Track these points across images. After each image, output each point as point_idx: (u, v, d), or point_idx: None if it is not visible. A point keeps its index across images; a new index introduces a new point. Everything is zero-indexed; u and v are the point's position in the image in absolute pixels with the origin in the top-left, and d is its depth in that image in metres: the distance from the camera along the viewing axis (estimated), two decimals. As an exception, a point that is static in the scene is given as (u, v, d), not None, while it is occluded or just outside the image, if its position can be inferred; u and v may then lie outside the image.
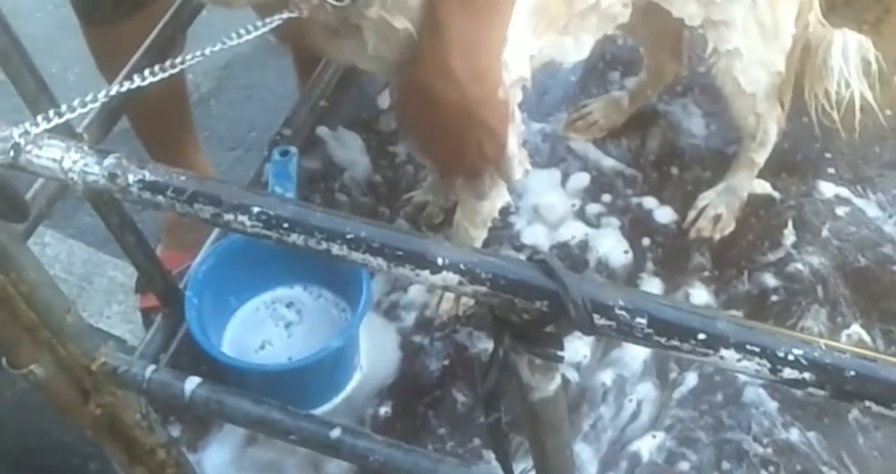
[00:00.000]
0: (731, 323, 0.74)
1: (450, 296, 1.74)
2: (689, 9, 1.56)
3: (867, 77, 1.71)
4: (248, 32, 1.15)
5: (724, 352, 0.73)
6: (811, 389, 0.73)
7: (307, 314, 1.74)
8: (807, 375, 0.72)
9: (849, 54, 1.68)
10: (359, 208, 1.96)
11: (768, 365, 0.73)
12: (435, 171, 1.31)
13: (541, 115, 2.08)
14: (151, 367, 1.19)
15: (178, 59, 1.06)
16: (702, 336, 0.74)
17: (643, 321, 0.75)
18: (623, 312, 0.76)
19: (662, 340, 0.75)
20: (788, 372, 0.72)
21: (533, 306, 0.79)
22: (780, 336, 0.73)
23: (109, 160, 0.89)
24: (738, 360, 0.73)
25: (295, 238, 0.84)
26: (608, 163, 2.00)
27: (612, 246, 1.87)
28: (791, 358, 0.72)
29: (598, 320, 0.76)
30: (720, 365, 0.75)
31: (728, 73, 1.64)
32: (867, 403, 0.71)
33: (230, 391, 1.18)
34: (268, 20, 1.15)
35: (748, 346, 0.73)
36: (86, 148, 0.90)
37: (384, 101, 2.10)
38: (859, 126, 2.01)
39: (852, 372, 0.71)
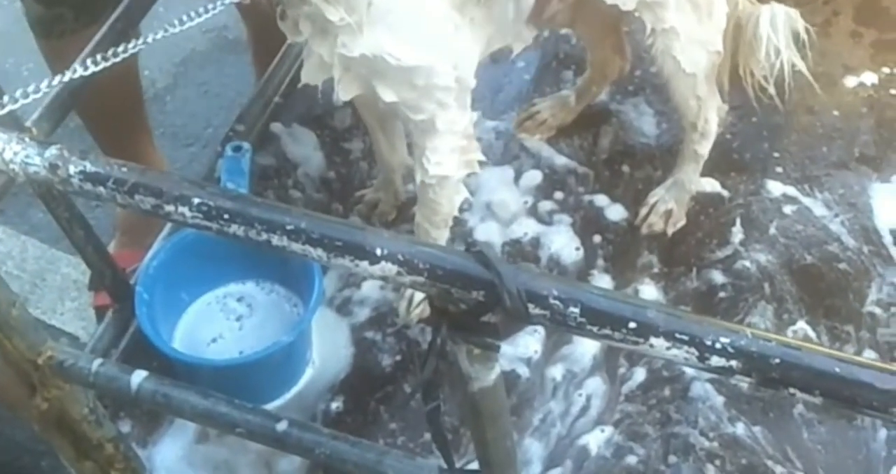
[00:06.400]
0: (661, 312, 0.76)
1: (418, 299, 1.74)
2: None
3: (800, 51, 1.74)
4: (191, 19, 1.15)
5: (653, 340, 0.75)
6: (738, 377, 0.75)
7: (259, 308, 1.74)
8: (734, 363, 0.74)
9: (777, 24, 1.72)
10: (312, 204, 1.96)
11: (696, 353, 0.75)
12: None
13: (494, 114, 2.09)
14: (98, 361, 1.19)
15: (122, 48, 1.06)
16: (632, 325, 0.75)
17: (576, 310, 0.77)
18: (557, 302, 0.77)
19: (595, 329, 0.77)
20: (716, 361, 0.74)
21: (469, 296, 0.80)
22: (708, 325, 0.75)
23: (51, 151, 0.89)
24: (668, 348, 0.75)
25: (235, 229, 0.85)
26: (560, 161, 2.02)
27: (563, 243, 1.89)
28: (718, 346, 0.74)
29: (533, 309, 0.78)
30: (651, 354, 0.76)
31: (667, 52, 1.66)
32: (792, 390, 0.73)
33: (177, 384, 1.19)
34: (210, 6, 1.16)
35: (677, 335, 0.75)
36: (27, 139, 0.91)
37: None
38: (807, 126, 2.05)
39: (777, 360, 0.73)
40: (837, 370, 0.72)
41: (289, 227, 0.83)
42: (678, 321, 0.75)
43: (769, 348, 0.73)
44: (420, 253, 0.81)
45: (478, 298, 0.80)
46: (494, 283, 0.78)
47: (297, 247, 0.84)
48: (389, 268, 0.82)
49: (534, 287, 0.78)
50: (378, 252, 0.82)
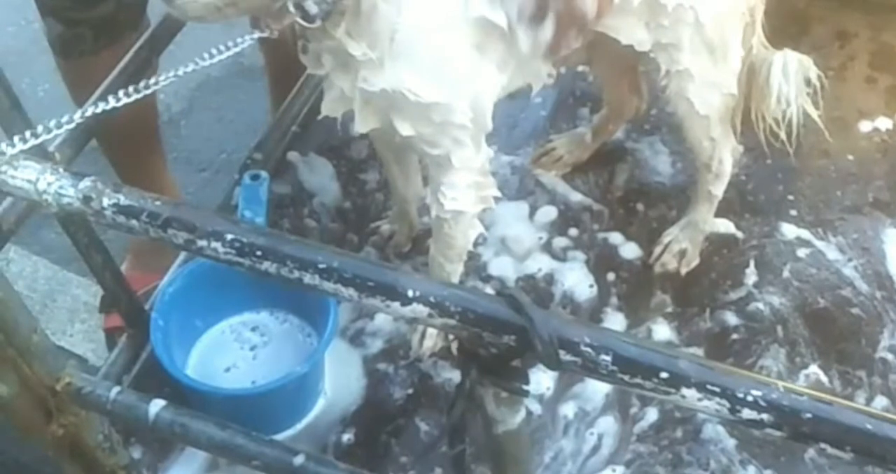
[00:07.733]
0: (693, 363, 0.76)
1: (432, 332, 1.75)
2: (637, 35, 1.58)
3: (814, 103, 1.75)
4: (220, 52, 1.17)
5: (685, 391, 0.75)
6: (769, 430, 0.74)
7: (273, 338, 1.74)
8: (765, 416, 0.74)
9: (789, 72, 1.72)
10: (327, 234, 1.97)
11: (728, 405, 0.75)
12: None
13: (510, 148, 2.10)
14: (116, 389, 1.19)
15: (152, 81, 1.07)
16: (664, 375, 0.75)
17: (608, 358, 0.77)
18: (588, 349, 0.77)
19: (626, 378, 0.77)
20: (747, 413, 0.74)
21: (500, 340, 0.80)
22: (740, 377, 0.75)
23: (85, 183, 0.90)
24: (699, 400, 0.75)
25: (267, 266, 0.85)
26: (576, 197, 2.02)
27: (577, 280, 1.89)
28: (750, 399, 0.74)
29: (564, 356, 0.78)
30: (681, 404, 0.76)
31: (681, 94, 1.67)
32: (822, 445, 0.73)
33: (194, 414, 1.19)
34: (238, 40, 1.17)
35: (709, 386, 0.75)
36: (61, 170, 0.91)
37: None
38: (821, 170, 2.06)
39: (809, 415, 0.73)
40: (869, 426, 0.72)
41: (321, 266, 0.84)
42: (710, 372, 0.75)
43: (801, 402, 0.73)
44: (452, 295, 0.82)
45: (509, 343, 0.80)
46: (526, 328, 0.78)
47: (328, 286, 0.84)
48: (421, 309, 0.82)
49: (566, 333, 0.78)
50: (410, 293, 0.82)
